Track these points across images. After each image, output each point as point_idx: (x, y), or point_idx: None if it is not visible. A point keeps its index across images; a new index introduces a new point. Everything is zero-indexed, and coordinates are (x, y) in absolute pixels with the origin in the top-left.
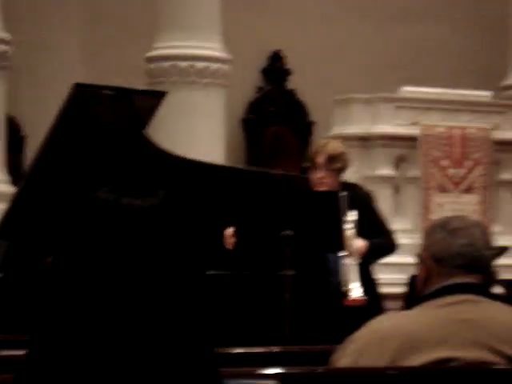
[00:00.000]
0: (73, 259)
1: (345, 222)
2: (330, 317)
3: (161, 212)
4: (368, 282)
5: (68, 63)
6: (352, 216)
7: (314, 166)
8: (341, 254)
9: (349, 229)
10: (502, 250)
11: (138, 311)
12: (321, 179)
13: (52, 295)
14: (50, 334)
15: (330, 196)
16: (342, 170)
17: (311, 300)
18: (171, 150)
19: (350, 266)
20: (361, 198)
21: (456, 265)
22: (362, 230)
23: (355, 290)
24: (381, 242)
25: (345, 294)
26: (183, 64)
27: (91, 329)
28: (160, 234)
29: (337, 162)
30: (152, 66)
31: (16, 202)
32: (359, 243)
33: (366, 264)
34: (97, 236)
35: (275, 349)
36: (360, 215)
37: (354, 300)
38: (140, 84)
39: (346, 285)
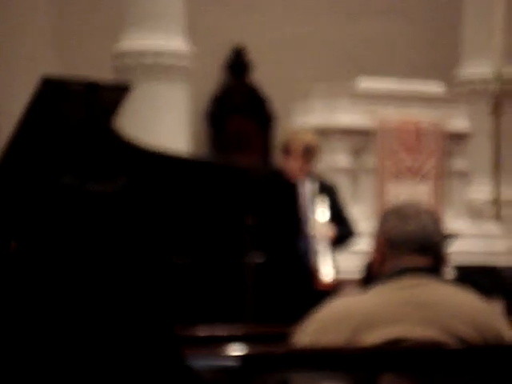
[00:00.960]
0: (37, 243)
1: (317, 207)
2: (302, 299)
3: (122, 197)
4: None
5: (36, 54)
6: (323, 202)
7: (289, 153)
8: (312, 237)
9: (320, 214)
10: (452, 237)
11: (98, 294)
12: (297, 168)
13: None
14: (9, 320)
15: (287, 184)
16: (315, 159)
17: (282, 283)
18: (138, 141)
19: (322, 249)
20: (327, 189)
21: (409, 248)
22: (332, 218)
23: (328, 273)
24: (344, 229)
25: (317, 277)
26: (148, 59)
27: (52, 313)
28: (120, 218)
29: (313, 152)
30: (118, 60)
31: None
32: (330, 229)
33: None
34: (61, 219)
35: (237, 330)
36: (331, 205)
37: (326, 283)
38: (107, 77)
39: (319, 268)
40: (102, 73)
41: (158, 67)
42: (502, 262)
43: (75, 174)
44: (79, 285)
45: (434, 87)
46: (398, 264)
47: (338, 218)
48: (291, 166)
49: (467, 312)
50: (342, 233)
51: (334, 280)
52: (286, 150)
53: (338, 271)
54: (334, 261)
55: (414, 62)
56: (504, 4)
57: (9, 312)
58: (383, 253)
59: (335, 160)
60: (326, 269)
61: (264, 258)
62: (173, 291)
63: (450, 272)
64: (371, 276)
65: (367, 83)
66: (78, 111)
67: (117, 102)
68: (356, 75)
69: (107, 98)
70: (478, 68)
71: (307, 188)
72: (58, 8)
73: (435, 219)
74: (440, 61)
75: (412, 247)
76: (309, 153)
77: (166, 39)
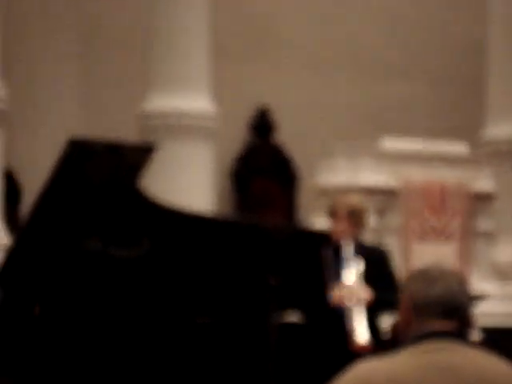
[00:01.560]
0: (61, 308)
1: (349, 270)
2: (338, 363)
3: (145, 261)
4: (374, 331)
5: (63, 117)
6: (359, 265)
7: (335, 218)
8: (350, 302)
9: (354, 277)
10: (480, 298)
11: (120, 359)
12: (342, 231)
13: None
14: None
15: (312, 247)
16: (361, 223)
17: (322, 347)
18: (163, 201)
19: (356, 312)
20: (378, 254)
21: (434, 312)
22: (374, 283)
23: (361, 336)
24: (386, 295)
25: (352, 340)
26: (173, 119)
27: (76, 375)
28: (144, 282)
29: (357, 216)
30: (143, 121)
31: (12, 253)
32: (365, 292)
33: (372, 315)
34: (84, 284)
35: None
36: (375, 270)
37: (360, 346)
38: (132, 138)
39: (353, 331)
40: (127, 134)
41: (183, 128)
42: None
43: (100, 238)
44: (99, 348)
45: (459, 148)
46: (423, 328)
47: (382, 283)
48: (335, 228)
49: (493, 378)
50: (382, 298)
51: (368, 342)
52: (332, 213)
53: (377, 334)
54: (373, 325)
55: (438, 123)
56: None
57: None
58: (408, 316)
59: None
60: (361, 331)
61: (296, 319)
62: (194, 351)
63: (476, 334)
64: (397, 339)
65: (391, 143)
66: (102, 172)
67: (141, 162)
68: (379, 136)
69: (131, 158)
70: (502, 129)
71: (347, 251)
72: (84, 70)
73: (461, 281)
74: (464, 121)
75: (437, 311)
76: (353, 215)
77: (190, 100)
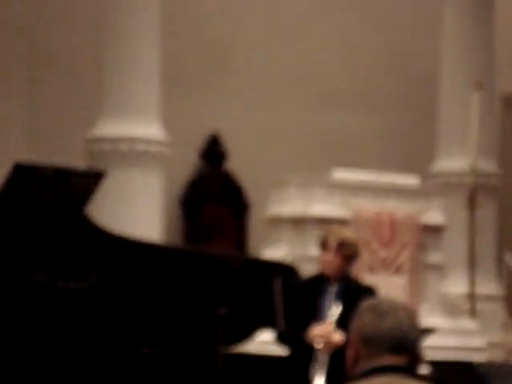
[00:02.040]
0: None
1: (329, 314)
2: None
3: (94, 293)
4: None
5: (7, 142)
6: (337, 308)
7: (325, 248)
8: (318, 346)
9: (331, 321)
10: (428, 332)
11: None
12: (329, 262)
13: None
14: None
15: (264, 276)
16: (350, 257)
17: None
18: (111, 229)
19: (320, 359)
20: (363, 291)
21: (383, 347)
22: None
23: None
24: None
25: None
26: (123, 146)
27: None
28: (91, 314)
29: (347, 248)
30: (92, 147)
31: None
32: (338, 337)
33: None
34: (31, 317)
35: None
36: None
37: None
38: (81, 163)
39: (313, 378)
40: (76, 160)
41: (133, 154)
42: (477, 357)
43: (46, 269)
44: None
45: (410, 180)
46: (372, 362)
47: None
48: (324, 259)
49: None
50: None
51: None
52: (322, 243)
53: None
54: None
55: (390, 155)
56: (478, 99)
57: None
58: (357, 350)
59: (309, 249)
60: (318, 381)
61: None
62: (140, 382)
63: (425, 368)
64: (345, 373)
65: (342, 174)
66: (49, 198)
67: (90, 189)
68: (331, 166)
69: (79, 184)
70: (453, 162)
71: (332, 288)
72: (31, 95)
73: (411, 316)
74: (415, 154)
75: (387, 346)
76: (342, 248)
77: (141, 126)
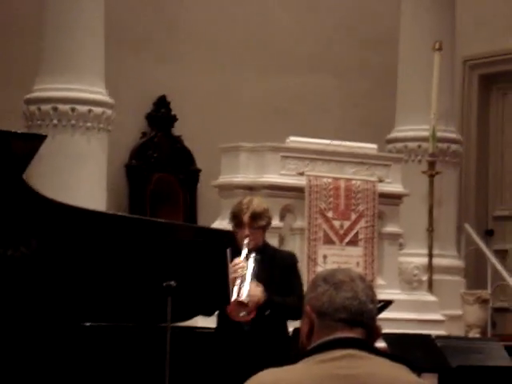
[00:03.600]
0: None
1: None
2: (241, 369)
3: (32, 262)
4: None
5: None
6: (251, 258)
7: (239, 224)
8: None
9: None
10: (386, 304)
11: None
12: (247, 237)
13: None
14: None
15: (218, 248)
16: (265, 227)
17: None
18: (49, 196)
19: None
20: (284, 257)
21: (339, 319)
22: (278, 288)
23: (244, 294)
24: (284, 299)
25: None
26: (64, 107)
27: None
28: (30, 283)
29: (261, 220)
30: (31, 108)
31: None
32: (257, 290)
33: (278, 321)
34: None
35: None
36: (281, 274)
37: (237, 301)
38: (19, 127)
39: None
40: (14, 122)
41: (74, 115)
42: (435, 331)
43: None
44: None
45: (367, 147)
46: (326, 335)
47: (288, 287)
48: (237, 234)
49: None
50: (280, 301)
51: (247, 302)
52: (235, 220)
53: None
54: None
55: (348, 121)
56: (438, 60)
57: None
58: (311, 322)
59: None
60: (243, 291)
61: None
62: (83, 356)
63: (381, 342)
64: (299, 346)
65: (297, 141)
66: None
67: (28, 152)
68: (285, 132)
69: (17, 148)
70: (411, 128)
71: (250, 256)
72: None
73: (368, 286)
74: (374, 120)
75: (343, 317)
76: (256, 221)
77: (85, 88)
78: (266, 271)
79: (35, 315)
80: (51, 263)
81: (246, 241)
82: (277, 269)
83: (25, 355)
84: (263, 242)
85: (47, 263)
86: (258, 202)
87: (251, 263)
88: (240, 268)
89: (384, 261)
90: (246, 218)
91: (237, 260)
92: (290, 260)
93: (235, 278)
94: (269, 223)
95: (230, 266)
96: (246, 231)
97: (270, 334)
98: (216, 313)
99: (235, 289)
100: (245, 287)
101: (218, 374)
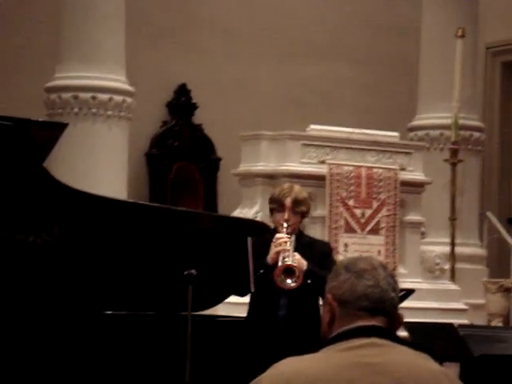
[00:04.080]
0: None
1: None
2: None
3: (54, 249)
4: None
5: None
6: (292, 236)
7: (281, 208)
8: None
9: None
10: (408, 293)
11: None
12: (287, 220)
13: None
14: None
15: (239, 237)
16: (305, 213)
17: (261, 344)
18: (70, 185)
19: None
20: (321, 245)
21: (360, 307)
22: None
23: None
24: (326, 272)
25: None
26: (85, 95)
27: None
28: (51, 270)
29: (302, 206)
30: (52, 96)
31: None
32: (301, 259)
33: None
34: None
35: None
36: (319, 261)
37: (285, 265)
38: (40, 115)
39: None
40: (35, 110)
41: (96, 104)
42: (458, 320)
43: (5, 223)
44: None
45: (389, 135)
46: (348, 323)
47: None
48: (276, 218)
49: (420, 375)
50: (320, 272)
51: (295, 269)
52: (277, 204)
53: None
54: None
55: (369, 109)
56: (461, 48)
57: None
58: (333, 311)
59: None
60: (289, 260)
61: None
62: (103, 345)
63: (403, 330)
64: (321, 335)
65: (318, 130)
66: (6, 149)
67: (50, 140)
68: (305, 120)
69: (39, 136)
70: (433, 116)
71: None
72: None
73: (390, 274)
74: (396, 109)
75: (364, 305)
76: (298, 206)
77: (105, 76)
78: (302, 257)
79: (56, 303)
80: (72, 251)
81: (285, 224)
82: (314, 256)
83: (45, 343)
84: (299, 230)
85: (68, 251)
86: (299, 189)
87: (293, 240)
88: (284, 241)
89: (406, 249)
90: (287, 201)
91: (279, 234)
92: (326, 248)
93: (279, 252)
94: (308, 211)
95: (273, 240)
96: (286, 215)
97: (304, 320)
98: (248, 300)
99: (280, 259)
100: (290, 257)
101: (250, 362)
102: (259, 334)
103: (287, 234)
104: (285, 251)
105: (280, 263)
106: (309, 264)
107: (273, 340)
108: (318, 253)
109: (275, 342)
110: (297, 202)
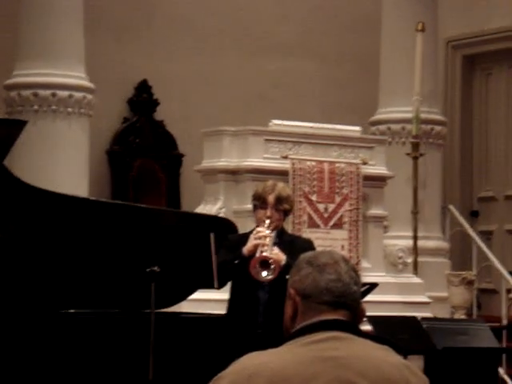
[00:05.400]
0: None
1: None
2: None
3: (9, 245)
4: None
5: None
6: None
7: (263, 205)
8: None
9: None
10: (372, 286)
11: None
12: (269, 217)
13: None
14: None
15: (202, 233)
16: (287, 211)
17: (240, 339)
18: (30, 183)
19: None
20: (303, 243)
21: (323, 301)
22: None
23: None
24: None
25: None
26: (45, 92)
27: None
28: (7, 267)
29: (285, 203)
30: (12, 93)
31: None
32: (281, 253)
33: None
34: None
35: None
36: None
37: (262, 257)
38: (0, 113)
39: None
40: None
41: (56, 102)
42: (421, 313)
43: None
44: None
45: (350, 130)
46: (311, 318)
47: None
48: (258, 215)
49: (383, 368)
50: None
51: (271, 261)
52: (259, 201)
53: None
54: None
55: (330, 104)
56: (421, 42)
57: None
58: (295, 305)
59: (245, 203)
60: (267, 253)
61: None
62: (66, 344)
63: (366, 324)
64: (283, 330)
65: (280, 125)
66: None
67: (9, 138)
68: (267, 116)
69: None
70: (394, 110)
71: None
72: None
73: (353, 268)
74: (357, 104)
75: (327, 299)
76: (281, 203)
77: (65, 73)
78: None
79: (12, 300)
80: (30, 248)
81: (267, 221)
82: (294, 252)
83: (3, 343)
84: (281, 227)
85: (26, 248)
86: (283, 186)
87: (273, 236)
88: (264, 236)
89: (369, 243)
90: (270, 198)
91: (260, 228)
92: (307, 244)
93: (257, 245)
94: (291, 209)
95: (253, 233)
96: (269, 212)
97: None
98: (213, 297)
99: (257, 252)
100: (268, 250)
101: (227, 357)
102: (238, 328)
103: (269, 230)
104: (263, 245)
105: (257, 255)
106: (288, 259)
107: (252, 334)
108: (299, 249)
109: (254, 337)
110: (280, 200)
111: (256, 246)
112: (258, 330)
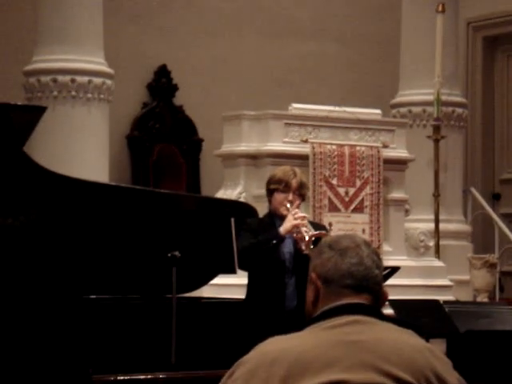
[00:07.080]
0: None
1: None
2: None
3: (32, 231)
4: None
5: None
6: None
7: (286, 189)
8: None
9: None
10: (393, 270)
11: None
12: (291, 201)
13: None
14: None
15: (223, 218)
16: (305, 196)
17: (266, 323)
18: (49, 168)
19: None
20: (320, 228)
21: (345, 285)
22: None
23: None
24: None
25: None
26: (64, 78)
27: None
28: (30, 253)
29: (305, 188)
30: (31, 79)
31: None
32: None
33: None
34: None
35: (160, 375)
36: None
37: (318, 233)
38: (20, 99)
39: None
40: (13, 93)
41: (76, 87)
42: (443, 296)
43: None
44: None
45: (371, 112)
46: (333, 302)
47: None
48: (279, 199)
49: (405, 351)
50: None
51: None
52: (282, 185)
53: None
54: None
55: (351, 87)
56: (441, 23)
57: None
58: (317, 289)
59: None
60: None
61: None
62: (87, 330)
63: (388, 308)
64: (305, 314)
65: (300, 109)
66: None
67: (29, 124)
68: (287, 99)
69: (18, 120)
70: (415, 92)
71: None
72: None
73: (374, 252)
74: (378, 86)
75: (349, 283)
76: (302, 189)
77: (84, 58)
78: None
79: (35, 286)
80: (52, 233)
81: (288, 205)
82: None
83: (25, 327)
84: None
85: (47, 234)
86: (301, 172)
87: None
88: (302, 216)
89: (390, 227)
90: (294, 182)
91: (295, 210)
92: (322, 229)
93: (297, 225)
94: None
95: (291, 213)
96: (291, 196)
97: None
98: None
99: (301, 231)
100: (310, 230)
101: (249, 341)
102: (263, 312)
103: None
104: (304, 225)
105: (305, 234)
106: None
107: (278, 318)
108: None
109: (280, 321)
110: (302, 185)
111: (295, 226)
112: (284, 314)
